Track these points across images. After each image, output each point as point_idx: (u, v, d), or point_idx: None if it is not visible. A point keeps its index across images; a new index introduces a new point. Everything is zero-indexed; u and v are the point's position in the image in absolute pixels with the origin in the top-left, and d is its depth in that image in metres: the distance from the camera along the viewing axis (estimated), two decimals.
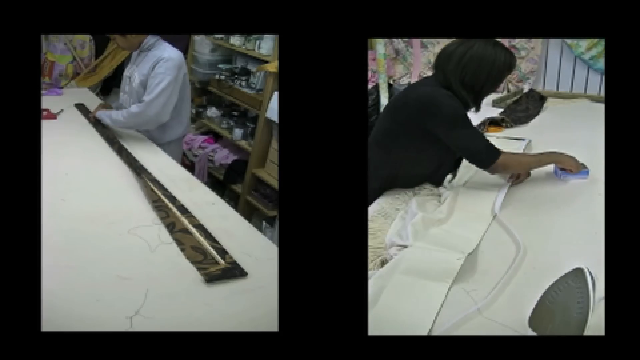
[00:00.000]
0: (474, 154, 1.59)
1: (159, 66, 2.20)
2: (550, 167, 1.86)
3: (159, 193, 1.72)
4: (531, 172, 1.77)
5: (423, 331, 1.06)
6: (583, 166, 1.83)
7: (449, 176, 1.78)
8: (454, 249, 1.32)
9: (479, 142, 1.58)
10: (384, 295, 1.16)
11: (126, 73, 2.42)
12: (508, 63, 1.63)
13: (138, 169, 1.90)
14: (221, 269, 1.32)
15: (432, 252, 1.32)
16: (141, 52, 2.31)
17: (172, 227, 1.52)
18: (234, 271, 1.32)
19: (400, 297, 1.17)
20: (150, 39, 2.27)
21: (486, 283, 1.22)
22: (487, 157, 1.58)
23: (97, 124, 2.36)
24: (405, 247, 1.36)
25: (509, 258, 1.32)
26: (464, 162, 1.80)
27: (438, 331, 1.06)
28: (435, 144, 1.62)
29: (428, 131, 1.59)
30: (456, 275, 1.23)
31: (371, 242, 1.42)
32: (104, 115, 2.32)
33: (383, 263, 1.33)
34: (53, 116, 2.44)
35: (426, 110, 1.57)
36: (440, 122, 1.56)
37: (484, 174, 1.73)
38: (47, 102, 2.62)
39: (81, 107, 2.59)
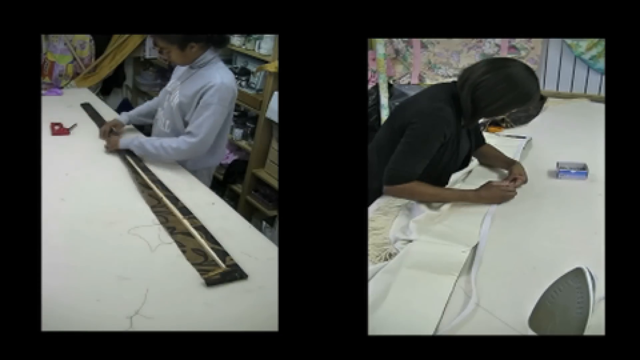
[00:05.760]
0: (392, 169, 1.58)
1: (211, 95, 1.88)
2: (551, 167, 1.86)
3: (160, 195, 1.72)
4: (529, 172, 1.76)
5: (434, 322, 1.07)
6: (583, 167, 1.83)
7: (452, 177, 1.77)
8: (458, 243, 1.35)
9: (405, 164, 1.56)
10: (393, 290, 1.18)
11: (167, 88, 2.11)
12: (522, 100, 1.56)
13: (140, 170, 1.89)
14: (220, 273, 1.32)
15: (437, 245, 1.35)
16: (191, 69, 2.00)
17: (172, 230, 1.52)
18: (233, 274, 1.32)
19: (409, 290, 1.19)
20: (208, 55, 1.96)
21: (486, 283, 1.22)
22: (396, 179, 1.57)
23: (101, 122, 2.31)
24: (410, 241, 1.38)
25: (509, 258, 1.33)
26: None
27: (440, 331, 1.06)
28: (436, 152, 1.61)
29: None
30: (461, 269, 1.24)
31: (376, 240, 1.43)
32: (133, 146, 1.99)
33: (390, 256, 1.35)
34: (66, 131, 2.22)
35: (412, 124, 1.58)
36: (410, 131, 1.57)
37: (482, 174, 1.73)
38: (47, 102, 2.61)
39: (87, 107, 2.59)
